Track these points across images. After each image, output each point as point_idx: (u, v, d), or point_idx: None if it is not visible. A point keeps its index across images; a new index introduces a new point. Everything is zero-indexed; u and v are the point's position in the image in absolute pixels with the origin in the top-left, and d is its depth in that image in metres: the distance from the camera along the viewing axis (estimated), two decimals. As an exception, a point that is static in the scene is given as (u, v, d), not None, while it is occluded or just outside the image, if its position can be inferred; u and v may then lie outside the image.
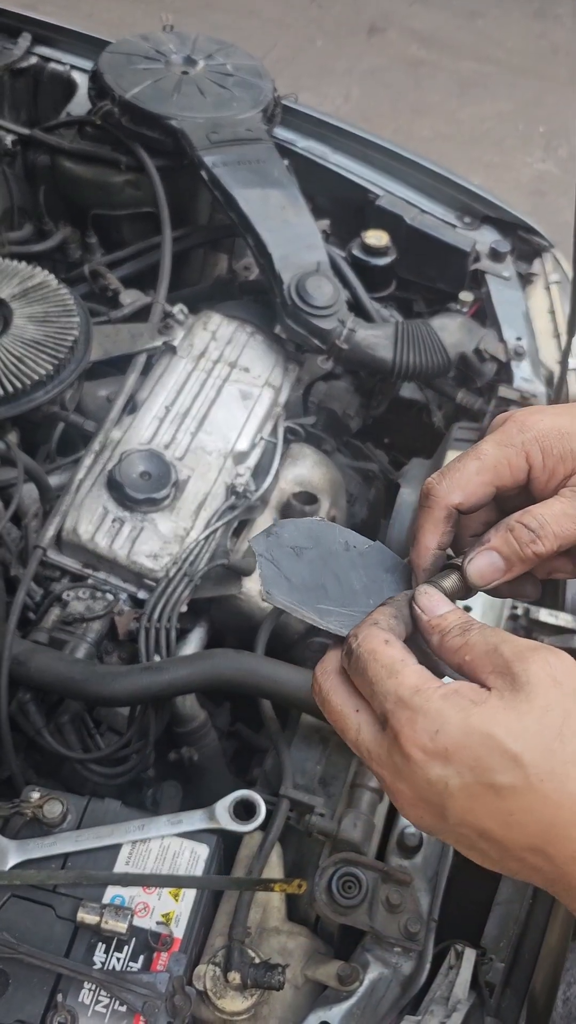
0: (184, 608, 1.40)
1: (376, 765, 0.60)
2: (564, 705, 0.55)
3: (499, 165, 4.15)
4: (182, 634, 1.45)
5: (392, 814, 1.21)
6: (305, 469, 1.67)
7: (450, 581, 0.66)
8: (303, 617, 0.66)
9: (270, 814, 1.18)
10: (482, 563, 0.66)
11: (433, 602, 0.64)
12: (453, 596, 0.66)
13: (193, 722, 1.43)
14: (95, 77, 1.92)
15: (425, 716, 0.56)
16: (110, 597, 1.40)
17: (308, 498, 1.58)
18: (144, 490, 1.45)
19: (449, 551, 0.70)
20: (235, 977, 1.03)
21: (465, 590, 0.67)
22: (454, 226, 1.99)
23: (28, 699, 1.31)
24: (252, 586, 1.48)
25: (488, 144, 4.34)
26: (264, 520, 1.57)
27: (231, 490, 1.52)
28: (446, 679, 0.60)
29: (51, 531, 1.41)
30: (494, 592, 0.69)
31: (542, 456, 0.67)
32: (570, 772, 0.54)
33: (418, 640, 0.64)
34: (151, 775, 1.43)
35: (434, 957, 1.13)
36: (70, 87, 2.12)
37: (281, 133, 2.04)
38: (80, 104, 2.06)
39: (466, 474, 0.67)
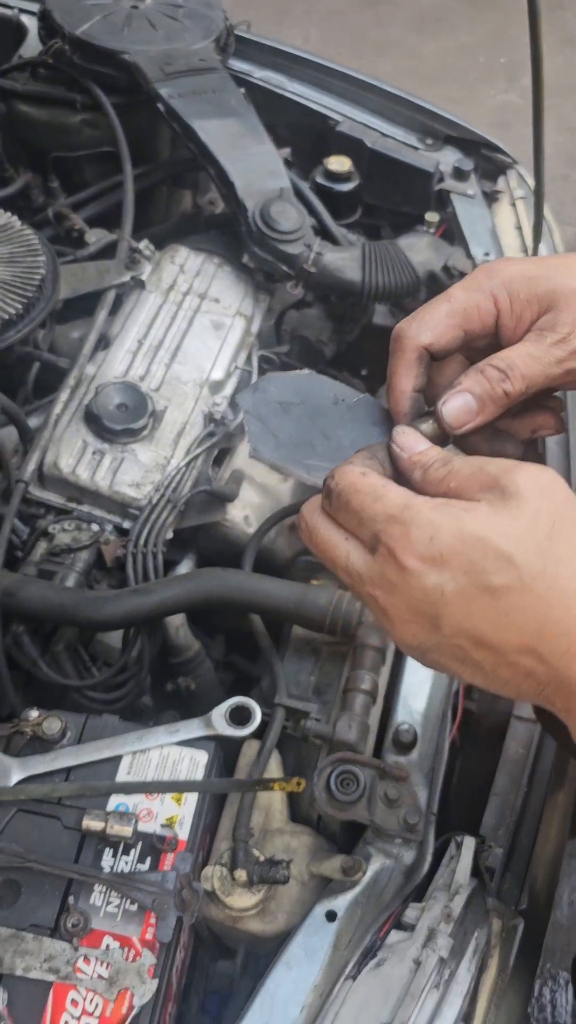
0: (170, 534, 1.41)
1: (368, 587, 0.61)
2: (551, 509, 0.57)
3: (462, 99, 4.11)
4: (170, 566, 1.46)
5: (386, 715, 1.24)
6: (282, 397, 1.67)
7: (427, 426, 0.67)
8: (290, 473, 0.67)
9: (267, 724, 1.20)
10: (456, 404, 0.67)
11: (412, 439, 0.66)
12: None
13: (188, 652, 1.44)
14: (44, 16, 1.90)
15: (418, 526, 0.58)
16: (95, 528, 1.41)
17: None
18: (122, 421, 1.46)
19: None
20: (241, 875, 1.06)
21: (443, 437, 0.68)
22: (416, 148, 1.98)
23: (22, 631, 1.32)
24: (236, 513, 1.49)
25: (451, 78, 4.30)
26: (244, 448, 1.58)
27: (209, 418, 1.53)
28: None
29: (32, 466, 1.41)
30: (473, 447, 0.70)
31: (509, 300, 0.68)
32: (560, 570, 0.56)
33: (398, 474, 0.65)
34: (149, 705, 1.45)
35: (436, 851, 1.16)
36: (20, 31, 2.09)
37: (237, 64, 2.02)
38: (32, 47, 2.03)
39: (436, 316, 0.69)
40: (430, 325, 0.68)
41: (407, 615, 0.60)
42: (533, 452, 0.75)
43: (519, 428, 0.74)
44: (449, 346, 0.69)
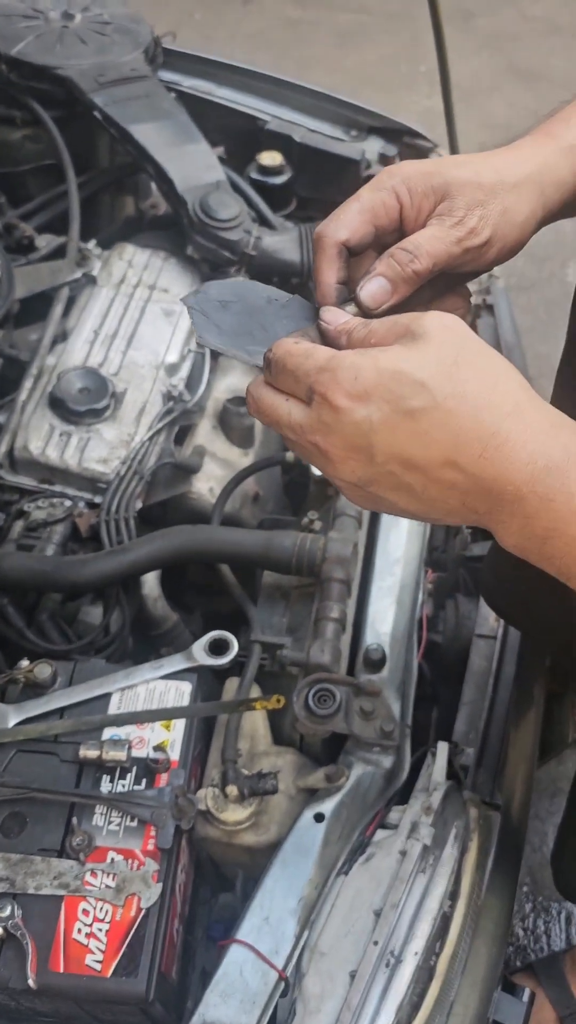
0: (139, 504, 1.49)
1: (309, 435, 0.70)
2: (455, 341, 0.67)
3: (388, 106, 4.19)
4: (140, 542, 1.54)
5: (355, 640, 1.32)
6: (236, 378, 1.77)
7: (350, 308, 0.76)
8: (235, 356, 0.76)
9: (243, 662, 1.28)
10: (372, 287, 0.76)
11: (335, 314, 0.75)
12: None
13: (166, 623, 1.52)
14: (-22, 41, 1.99)
15: (344, 369, 0.67)
16: (68, 503, 1.48)
17: (242, 401, 1.67)
18: (85, 403, 1.54)
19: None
20: (232, 790, 1.13)
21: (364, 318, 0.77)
22: (342, 140, 2.10)
23: (6, 602, 1.39)
24: (201, 486, 1.57)
25: (374, 88, 4.44)
26: (204, 426, 1.66)
27: (167, 396, 1.62)
28: None
29: (2, 448, 1.49)
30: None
31: (409, 194, 0.78)
32: (467, 389, 0.65)
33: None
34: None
35: (414, 765, 1.24)
36: (-44, 60, 2.18)
37: (166, 75, 2.12)
38: (-32, 73, 2.12)
39: (349, 214, 0.78)
40: (345, 223, 0.78)
41: (344, 452, 0.68)
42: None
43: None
44: (363, 241, 0.79)
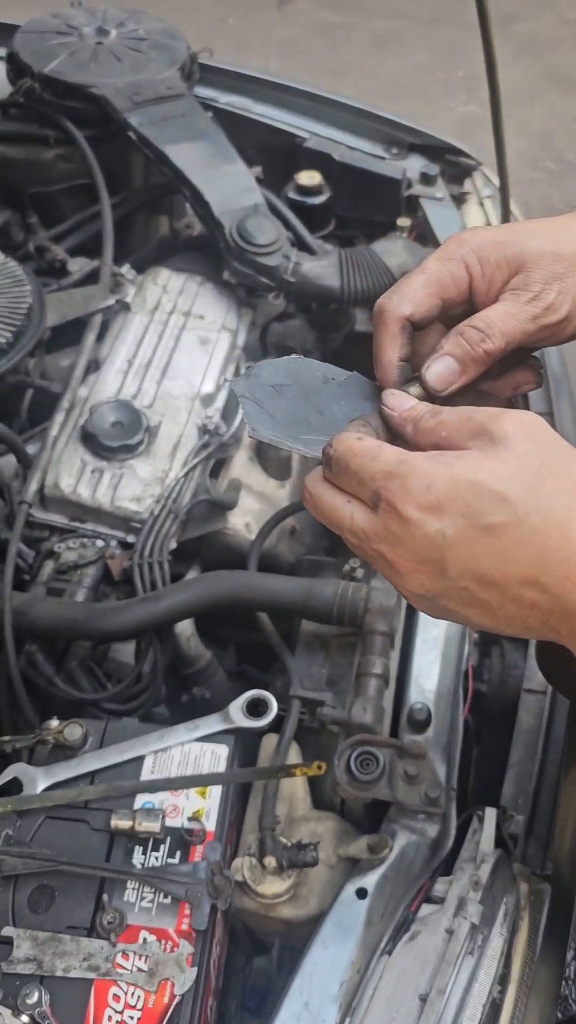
0: (174, 544, 1.44)
1: (375, 543, 0.64)
2: (539, 448, 0.61)
3: (424, 114, 4.16)
4: (176, 578, 1.48)
5: (399, 697, 1.26)
6: (272, 407, 1.71)
7: (415, 390, 0.70)
8: (290, 448, 0.70)
9: (282, 717, 1.22)
10: (439, 368, 0.70)
11: (400, 399, 0.69)
12: None
13: (200, 662, 1.47)
14: (11, 58, 1.95)
15: (415, 477, 0.61)
16: (100, 543, 1.43)
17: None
18: (118, 438, 1.49)
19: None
20: (271, 861, 1.07)
21: (429, 400, 0.71)
22: (383, 158, 2.04)
23: (35, 650, 1.34)
24: (237, 520, 1.52)
25: (411, 95, 4.39)
26: (240, 458, 1.61)
27: (203, 430, 1.56)
28: None
29: (33, 486, 1.44)
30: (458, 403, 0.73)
31: (480, 266, 0.72)
32: (552, 503, 0.59)
33: (390, 437, 0.68)
34: (166, 716, 1.47)
35: (460, 827, 1.18)
36: (-11, 76, 2.14)
37: (202, 91, 2.07)
38: (1, 90, 2.08)
39: (413, 287, 0.72)
40: (409, 296, 0.72)
41: (414, 564, 0.62)
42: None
43: (501, 387, 0.77)
44: (428, 315, 0.73)
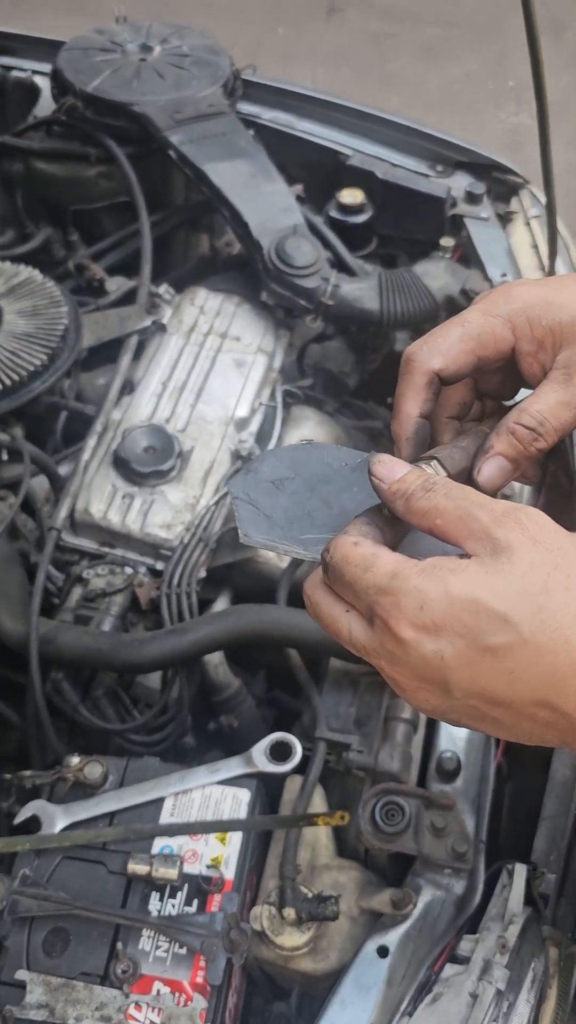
0: (203, 573, 1.41)
1: (374, 658, 0.60)
2: (546, 560, 0.55)
3: (473, 125, 4.13)
4: (205, 604, 1.46)
5: (428, 743, 1.22)
6: (308, 430, 1.68)
7: (428, 468, 0.65)
8: (286, 552, 0.64)
9: (308, 758, 1.19)
10: (492, 470, 0.65)
11: (388, 467, 0.62)
12: None
13: (228, 690, 1.44)
14: (55, 75, 1.94)
15: (406, 595, 0.56)
16: (129, 571, 1.42)
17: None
18: (150, 463, 1.47)
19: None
20: (290, 913, 1.04)
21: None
22: (427, 176, 1.99)
23: (61, 678, 1.33)
24: (268, 548, 1.49)
25: (460, 106, 4.33)
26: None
27: (236, 455, 1.54)
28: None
29: (63, 512, 1.43)
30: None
31: (529, 327, 0.66)
32: (561, 621, 0.54)
33: (400, 530, 0.63)
34: (192, 744, 1.45)
35: (488, 880, 1.14)
36: (34, 92, 2.14)
37: (245, 107, 2.05)
38: (45, 106, 2.08)
39: (449, 340, 0.67)
40: (442, 349, 0.66)
41: (415, 683, 0.58)
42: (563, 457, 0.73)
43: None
44: (460, 371, 0.67)
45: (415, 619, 0.56)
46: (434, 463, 0.65)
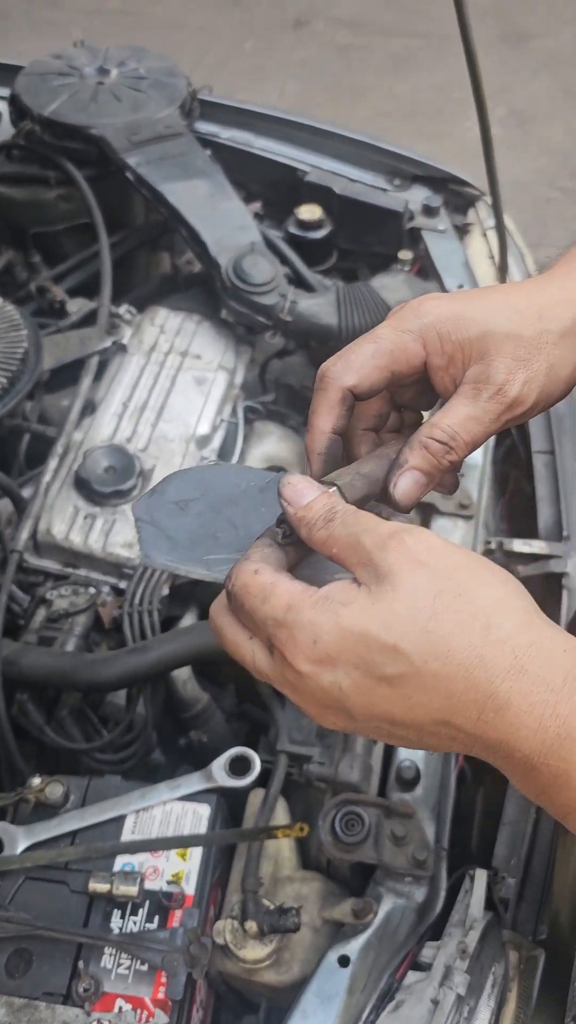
0: (166, 591, 1.42)
1: (278, 685, 0.61)
2: (432, 583, 0.56)
3: (441, 134, 4.17)
4: (172, 621, 1.47)
5: (388, 754, 1.24)
6: (271, 445, 1.70)
7: (342, 480, 0.66)
8: (188, 573, 0.65)
9: (269, 772, 1.20)
10: (407, 484, 0.67)
11: (296, 491, 0.63)
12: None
13: (197, 705, 1.45)
14: (13, 100, 1.96)
15: (300, 629, 0.57)
16: (92, 590, 1.43)
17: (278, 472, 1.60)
18: (110, 483, 1.48)
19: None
20: (252, 926, 1.05)
21: (379, 486, 0.68)
22: (385, 190, 2.02)
23: (26, 699, 1.34)
24: (233, 563, 1.50)
25: (428, 115, 4.37)
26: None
27: (198, 472, 1.55)
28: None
29: (24, 534, 1.44)
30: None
31: (440, 342, 0.68)
32: (452, 644, 0.55)
33: (303, 549, 0.64)
34: (162, 761, 1.46)
35: (453, 886, 1.15)
36: (-7, 117, 2.16)
37: (203, 127, 2.07)
38: (3, 131, 2.09)
39: (361, 357, 0.68)
40: (355, 366, 0.68)
41: (319, 709, 0.60)
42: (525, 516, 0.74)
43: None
44: (374, 387, 0.69)
45: (310, 653, 0.57)
46: (334, 490, 0.65)
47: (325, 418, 0.69)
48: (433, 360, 0.69)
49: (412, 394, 0.73)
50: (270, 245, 1.81)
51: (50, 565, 1.47)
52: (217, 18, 5.10)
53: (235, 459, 1.62)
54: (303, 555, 0.65)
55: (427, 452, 0.67)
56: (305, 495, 0.63)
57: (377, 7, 5.11)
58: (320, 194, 1.98)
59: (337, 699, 0.58)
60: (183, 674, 1.43)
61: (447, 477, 0.73)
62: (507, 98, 4.37)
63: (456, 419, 0.67)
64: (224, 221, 1.76)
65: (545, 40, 4.80)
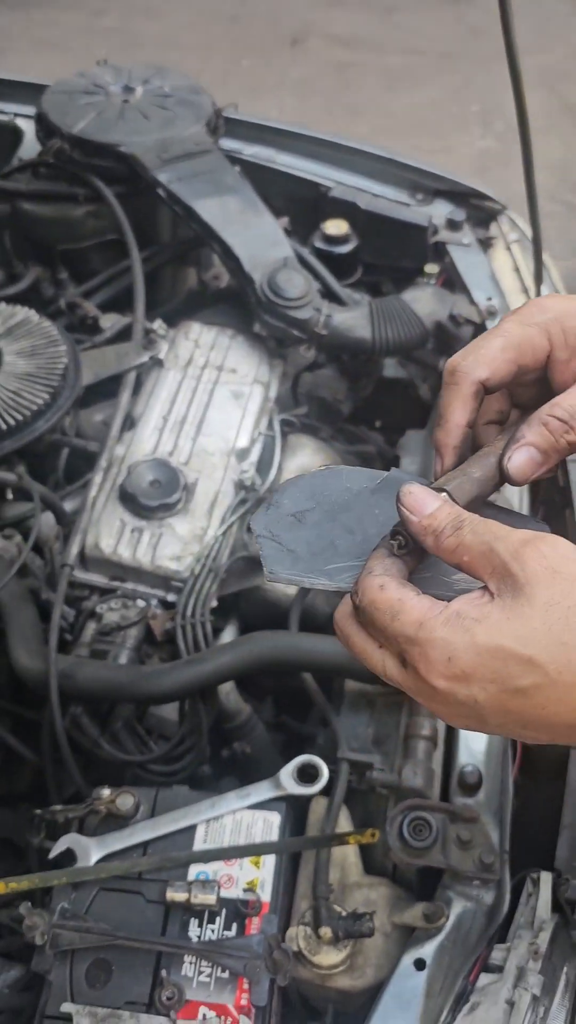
0: (215, 602, 1.44)
1: (412, 694, 0.63)
2: (568, 594, 0.57)
3: (440, 149, 4.23)
4: (214, 633, 1.49)
5: (448, 758, 1.25)
6: (306, 457, 1.72)
7: (451, 485, 0.66)
8: (312, 585, 0.65)
9: (331, 780, 1.22)
10: (521, 460, 0.67)
11: (419, 501, 0.64)
12: (476, 497, 0.67)
13: (240, 716, 1.47)
14: (40, 119, 1.98)
15: (433, 648, 0.59)
16: (141, 603, 1.44)
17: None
18: (156, 497, 1.50)
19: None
20: (326, 932, 1.06)
21: (487, 483, 0.68)
22: (408, 204, 2.05)
23: (80, 712, 1.35)
24: (275, 574, 1.52)
25: (426, 131, 4.42)
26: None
27: (239, 486, 1.57)
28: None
29: (75, 549, 1.45)
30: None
31: (564, 335, 0.69)
32: None
33: (421, 554, 0.65)
34: (208, 773, 1.47)
35: (513, 890, 1.16)
36: (16, 135, 2.18)
37: (226, 144, 2.10)
38: (29, 148, 2.12)
39: (491, 351, 0.69)
40: (486, 359, 0.69)
41: (452, 717, 0.62)
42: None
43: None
44: (503, 380, 0.70)
45: (445, 671, 0.59)
46: (444, 496, 0.65)
47: (460, 412, 0.70)
48: (557, 354, 0.70)
49: (531, 393, 0.75)
50: (301, 260, 1.83)
51: (97, 579, 1.48)
52: (213, 36, 5.14)
53: (274, 471, 1.63)
54: (419, 562, 0.67)
55: (545, 429, 0.67)
56: (428, 504, 0.64)
57: (372, 24, 5.18)
58: (345, 209, 2.01)
59: (472, 710, 0.59)
60: (226, 686, 1.44)
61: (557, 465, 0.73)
62: (504, 113, 4.43)
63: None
64: (257, 236, 1.79)
65: (539, 56, 4.86)
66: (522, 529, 0.61)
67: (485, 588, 0.61)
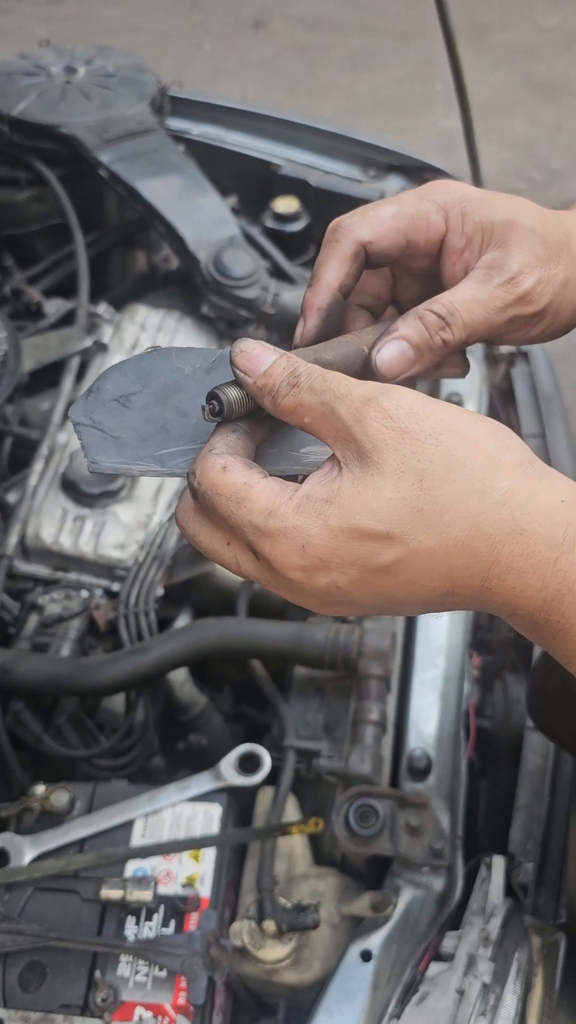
0: (160, 591, 1.40)
1: (272, 588, 0.57)
2: (420, 455, 0.52)
3: (405, 128, 4.17)
4: (166, 623, 1.45)
5: (398, 743, 1.22)
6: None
7: (334, 352, 0.60)
8: (142, 473, 0.58)
9: (279, 768, 1.18)
10: (391, 353, 0.62)
11: (252, 359, 0.56)
12: None
13: (195, 708, 1.43)
14: (-20, 102, 1.93)
15: (286, 537, 0.53)
16: (85, 594, 1.40)
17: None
18: (99, 484, 1.45)
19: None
20: (270, 925, 1.03)
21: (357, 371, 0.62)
22: (360, 181, 2.00)
23: (22, 707, 1.30)
24: (226, 561, 1.48)
25: (390, 111, 4.37)
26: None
27: (186, 470, 1.53)
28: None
29: (13, 539, 1.41)
30: (405, 383, 0.64)
31: (462, 220, 0.64)
32: (447, 519, 0.52)
33: (268, 422, 0.58)
34: (162, 765, 1.43)
35: (468, 875, 1.13)
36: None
37: (175, 123, 2.05)
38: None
39: (381, 214, 0.64)
40: (373, 222, 0.63)
41: (320, 606, 0.57)
42: None
43: (424, 372, 0.67)
44: (388, 251, 0.64)
45: (300, 560, 0.53)
46: (280, 350, 0.58)
47: (334, 272, 0.63)
48: (451, 240, 0.65)
49: (416, 289, 0.69)
50: (249, 239, 1.79)
51: (39, 570, 1.44)
52: (173, 21, 5.07)
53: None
54: (268, 431, 0.60)
55: (421, 323, 0.62)
56: (263, 360, 0.56)
57: (334, 6, 5.11)
58: (295, 186, 1.96)
59: (336, 595, 0.55)
60: (180, 676, 1.40)
61: (453, 358, 0.68)
62: (469, 91, 4.38)
63: (459, 297, 0.63)
64: (201, 216, 1.74)
65: (503, 34, 4.82)
66: (366, 382, 0.55)
67: (333, 457, 0.55)
